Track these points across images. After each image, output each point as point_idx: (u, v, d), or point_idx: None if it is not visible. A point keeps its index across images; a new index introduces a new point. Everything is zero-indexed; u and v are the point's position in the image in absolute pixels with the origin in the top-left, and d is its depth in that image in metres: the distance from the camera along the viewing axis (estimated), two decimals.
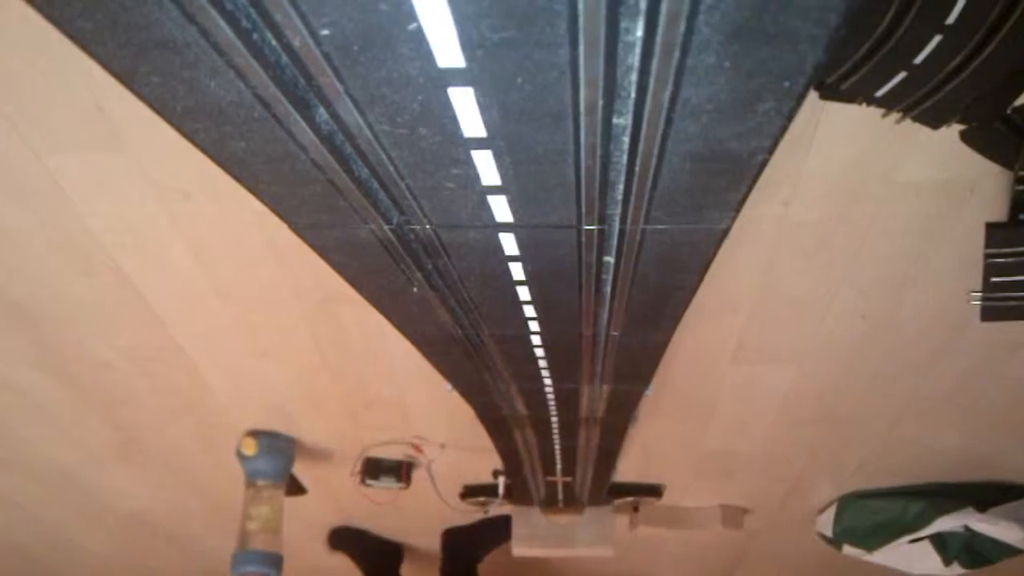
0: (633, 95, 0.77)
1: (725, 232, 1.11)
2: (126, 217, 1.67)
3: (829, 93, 1.29)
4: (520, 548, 3.02)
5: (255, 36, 0.71)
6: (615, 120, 0.81)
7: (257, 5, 0.66)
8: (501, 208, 1.03)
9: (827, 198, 1.56)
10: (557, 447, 2.30)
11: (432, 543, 3.38)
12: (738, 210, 1.04)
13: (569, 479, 2.63)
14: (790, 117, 0.81)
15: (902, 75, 1.22)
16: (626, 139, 0.85)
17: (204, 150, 0.94)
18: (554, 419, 2.07)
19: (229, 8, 0.67)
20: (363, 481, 2.71)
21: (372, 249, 1.18)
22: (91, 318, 2.00)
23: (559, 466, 2.50)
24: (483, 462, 2.68)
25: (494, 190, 0.97)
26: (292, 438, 2.57)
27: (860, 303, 1.85)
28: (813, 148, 1.43)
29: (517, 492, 2.81)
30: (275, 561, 2.48)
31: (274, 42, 0.71)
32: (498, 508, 2.90)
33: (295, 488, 2.83)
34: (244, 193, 1.05)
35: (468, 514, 2.97)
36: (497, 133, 0.84)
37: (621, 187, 0.96)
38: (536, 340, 1.57)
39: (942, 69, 1.20)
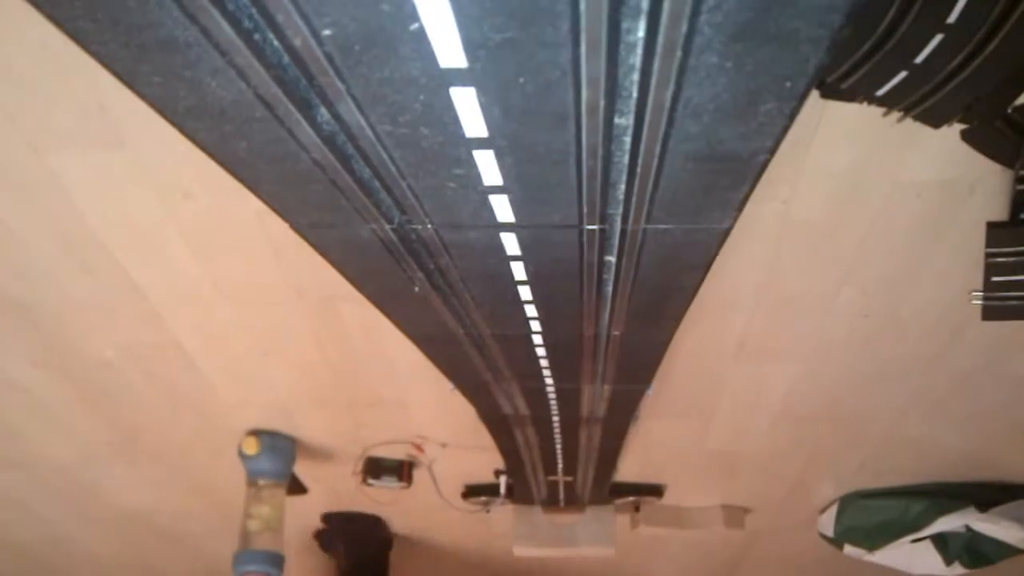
0: (635, 95, 0.77)
1: (727, 232, 1.11)
2: (127, 215, 1.67)
3: (830, 92, 1.29)
4: (521, 547, 3.02)
5: (257, 36, 0.71)
6: (617, 120, 0.81)
7: (259, 5, 0.66)
8: (503, 208, 1.03)
9: (828, 197, 1.56)
10: (558, 446, 2.31)
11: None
12: (740, 210, 1.04)
13: (570, 478, 2.63)
14: (792, 117, 0.81)
15: (903, 74, 1.22)
16: (628, 139, 0.85)
17: (205, 149, 0.94)
18: (555, 418, 2.07)
19: (231, 8, 0.67)
20: (364, 480, 2.71)
21: (374, 249, 1.18)
22: (91, 316, 2.00)
23: (560, 465, 2.50)
24: (485, 461, 2.68)
25: (496, 190, 0.98)
26: (293, 437, 2.57)
27: (862, 302, 1.85)
28: (814, 146, 1.43)
29: (518, 491, 2.81)
30: (276, 560, 2.48)
31: (276, 42, 0.71)
32: (499, 507, 2.90)
33: (296, 487, 2.83)
34: (245, 192, 1.05)
35: (469, 513, 2.97)
36: (499, 133, 0.84)
37: (623, 187, 0.97)
38: (538, 340, 1.57)
39: (943, 68, 1.20)
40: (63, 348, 2.11)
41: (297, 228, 1.16)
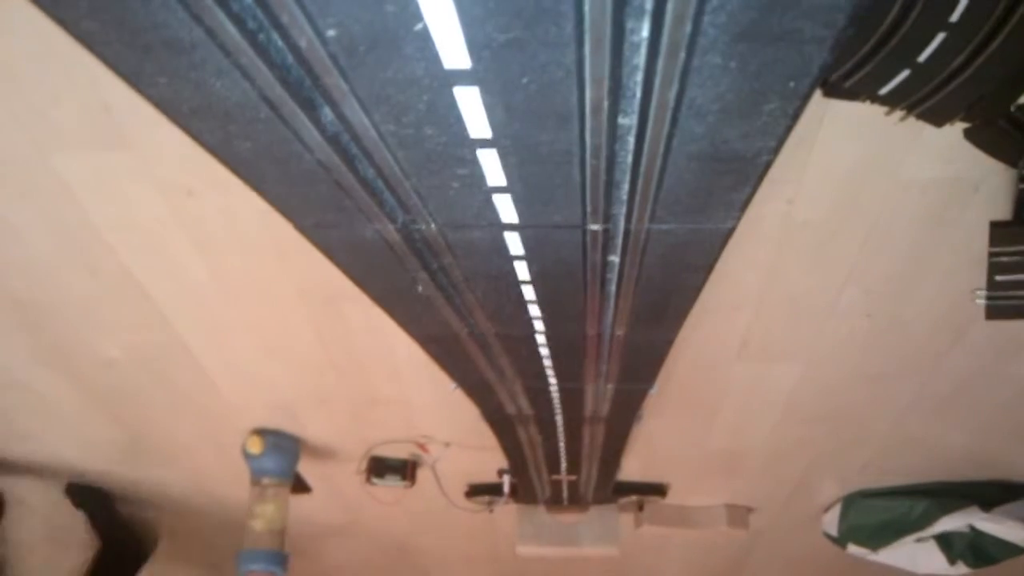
0: (639, 95, 0.77)
1: (730, 232, 1.11)
2: (131, 215, 1.67)
3: (833, 91, 1.29)
4: (525, 547, 3.02)
5: (261, 37, 0.71)
6: (620, 120, 0.81)
7: (263, 6, 0.67)
8: (506, 208, 1.03)
9: (831, 196, 1.56)
10: (562, 446, 2.31)
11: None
12: (743, 210, 1.04)
13: (574, 478, 2.63)
14: (795, 117, 0.81)
15: (906, 73, 1.22)
16: (631, 139, 0.85)
17: (210, 150, 0.94)
18: (559, 418, 2.07)
19: (235, 9, 0.68)
20: (368, 480, 2.71)
21: (377, 248, 1.18)
22: (96, 316, 2.00)
23: (564, 465, 2.50)
24: (488, 461, 2.68)
25: (499, 190, 0.98)
26: (297, 437, 2.58)
27: (865, 302, 1.85)
28: (817, 146, 1.43)
29: (522, 491, 2.81)
30: (280, 559, 2.48)
31: (280, 43, 0.72)
32: (503, 507, 2.91)
33: (300, 486, 2.84)
34: (249, 192, 1.06)
35: (473, 512, 2.97)
36: (502, 133, 0.84)
37: (626, 187, 0.97)
38: (541, 339, 1.57)
39: (946, 67, 1.20)
40: (67, 348, 2.12)
41: (301, 228, 1.16)
